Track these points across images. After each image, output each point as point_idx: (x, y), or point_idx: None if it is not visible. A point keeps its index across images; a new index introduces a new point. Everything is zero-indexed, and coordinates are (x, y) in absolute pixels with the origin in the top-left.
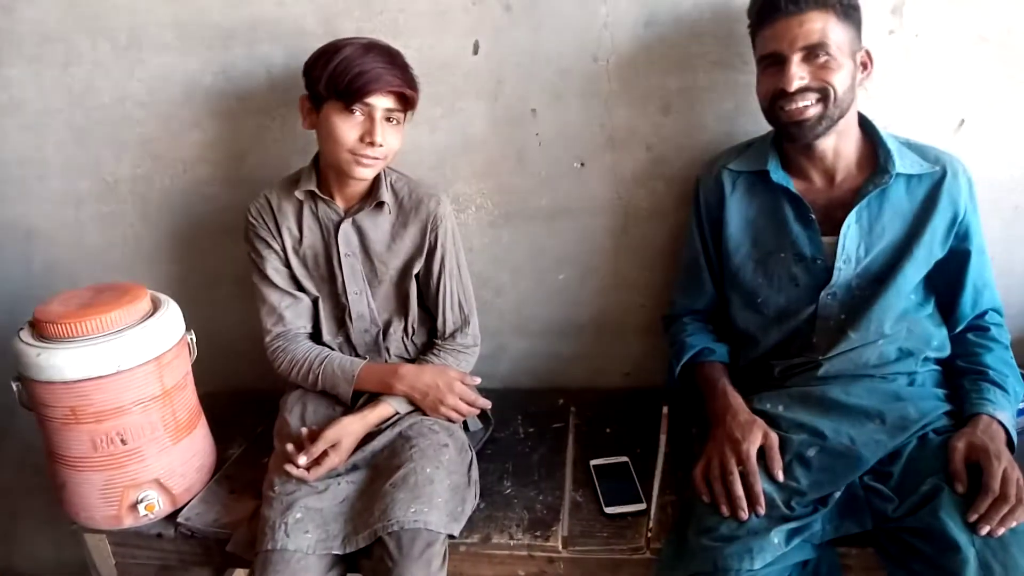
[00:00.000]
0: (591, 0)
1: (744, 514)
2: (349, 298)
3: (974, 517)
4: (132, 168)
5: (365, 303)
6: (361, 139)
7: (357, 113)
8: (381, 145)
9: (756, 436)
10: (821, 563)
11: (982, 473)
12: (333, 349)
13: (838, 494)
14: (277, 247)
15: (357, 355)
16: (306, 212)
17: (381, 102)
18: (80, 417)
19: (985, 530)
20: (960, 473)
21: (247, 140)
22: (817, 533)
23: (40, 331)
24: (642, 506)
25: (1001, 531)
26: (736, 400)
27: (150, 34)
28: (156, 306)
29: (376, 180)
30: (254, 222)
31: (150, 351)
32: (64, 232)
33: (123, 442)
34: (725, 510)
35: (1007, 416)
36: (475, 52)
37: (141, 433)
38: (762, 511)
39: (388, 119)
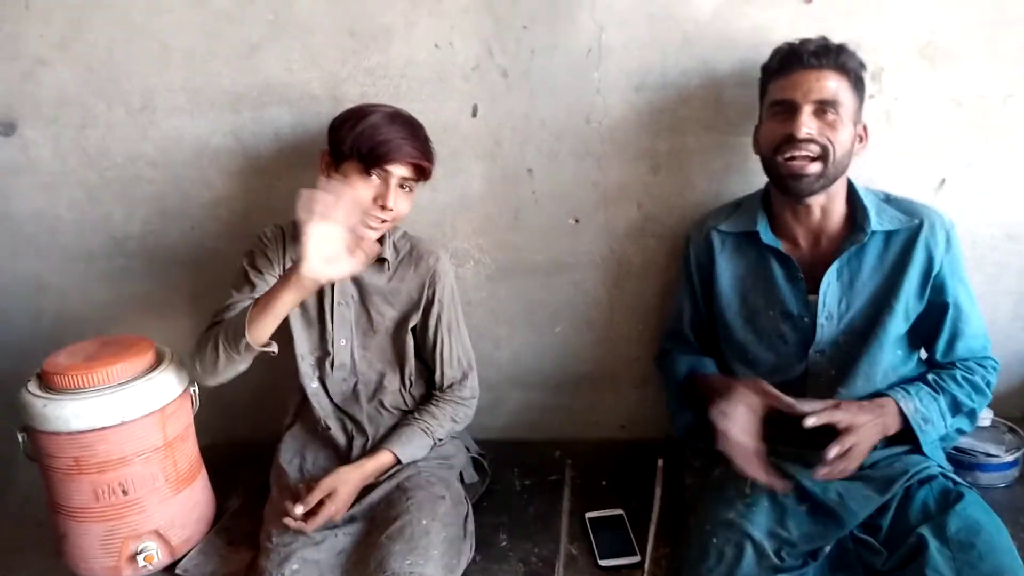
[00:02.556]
0: (584, 66)
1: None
2: (335, 347)
3: (822, 470)
4: (142, 225)
5: (349, 353)
6: (374, 201)
7: (374, 177)
8: (392, 210)
9: (748, 393)
10: None
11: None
12: (312, 388)
13: (828, 548)
14: (276, 273)
15: (333, 403)
16: None
17: (399, 171)
18: (83, 467)
19: (819, 474)
20: (820, 416)
21: (254, 199)
22: None
23: (47, 383)
24: (636, 559)
25: (825, 476)
26: (722, 382)
27: (163, 98)
28: (160, 359)
29: (380, 237)
30: (264, 243)
31: (153, 403)
32: (74, 287)
33: (124, 492)
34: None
35: (911, 406)
36: (474, 115)
37: (142, 484)
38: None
39: (402, 186)
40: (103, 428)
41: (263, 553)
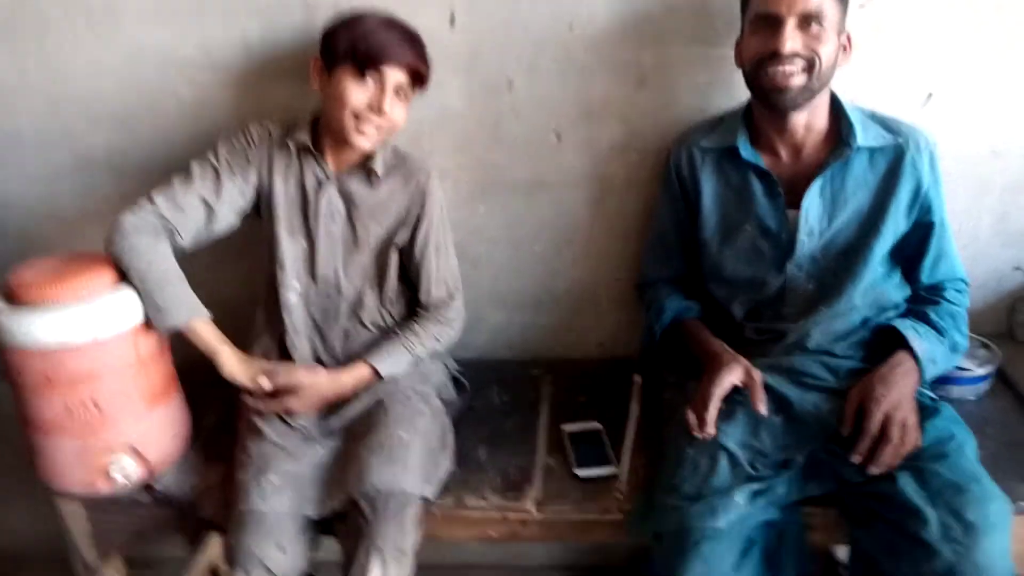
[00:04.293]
0: None
1: (696, 433)
2: (318, 260)
3: (857, 459)
4: (107, 140)
5: (332, 268)
6: (368, 105)
7: (369, 80)
8: (387, 114)
9: (734, 373)
10: (787, 524)
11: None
12: (291, 302)
13: (801, 458)
14: (253, 178)
15: (312, 318)
16: (293, 162)
17: (394, 74)
18: (54, 383)
19: (872, 471)
20: (848, 418)
21: (223, 112)
22: (782, 495)
23: (13, 296)
24: (613, 469)
25: (885, 470)
26: (719, 346)
27: (126, 5)
28: None
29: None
30: (247, 140)
31: (124, 318)
32: (39, 203)
33: (97, 408)
34: (696, 433)
35: (924, 348)
36: (451, 24)
37: (115, 400)
38: (708, 432)
39: (397, 92)
40: (72, 343)
41: (239, 465)
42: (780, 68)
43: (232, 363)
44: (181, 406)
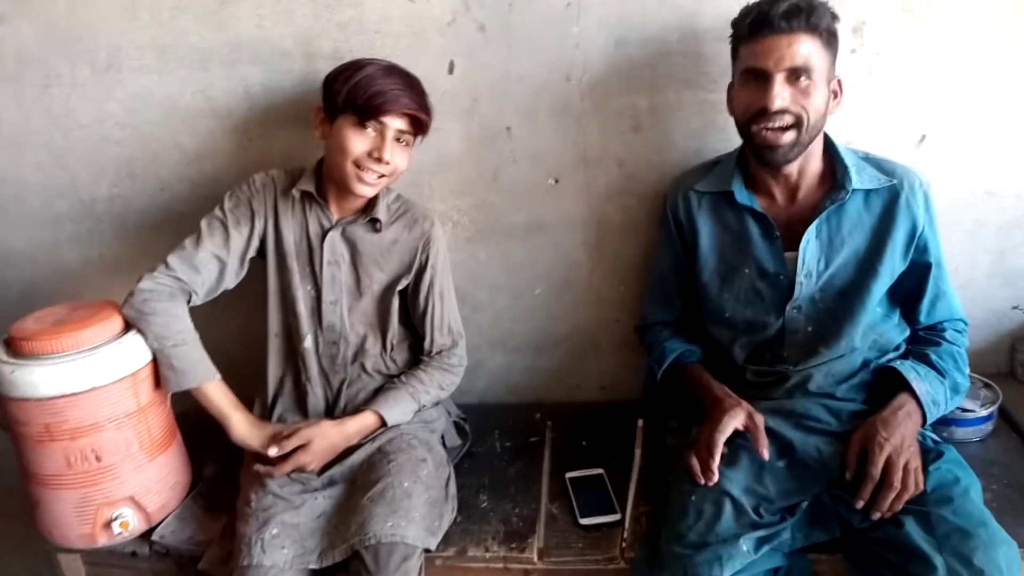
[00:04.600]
0: (563, 20)
1: (700, 479)
2: (324, 306)
3: (860, 504)
4: (110, 188)
5: (338, 315)
6: (369, 154)
7: (370, 129)
8: (388, 163)
9: (736, 419)
10: (792, 570)
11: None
12: (306, 349)
13: (806, 503)
14: (259, 226)
15: (320, 363)
16: (296, 209)
17: (394, 122)
18: (55, 434)
19: (875, 515)
20: (850, 463)
21: (225, 159)
22: (787, 542)
23: (15, 348)
24: (617, 517)
25: (888, 515)
26: (720, 390)
27: (129, 56)
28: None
29: (374, 197)
30: (252, 191)
31: (125, 367)
32: (41, 252)
33: (98, 459)
34: (700, 480)
35: (925, 389)
36: (450, 72)
37: (116, 450)
38: (712, 480)
39: (398, 139)
40: (73, 394)
41: (241, 518)
42: (769, 125)
43: (242, 428)
44: (181, 455)
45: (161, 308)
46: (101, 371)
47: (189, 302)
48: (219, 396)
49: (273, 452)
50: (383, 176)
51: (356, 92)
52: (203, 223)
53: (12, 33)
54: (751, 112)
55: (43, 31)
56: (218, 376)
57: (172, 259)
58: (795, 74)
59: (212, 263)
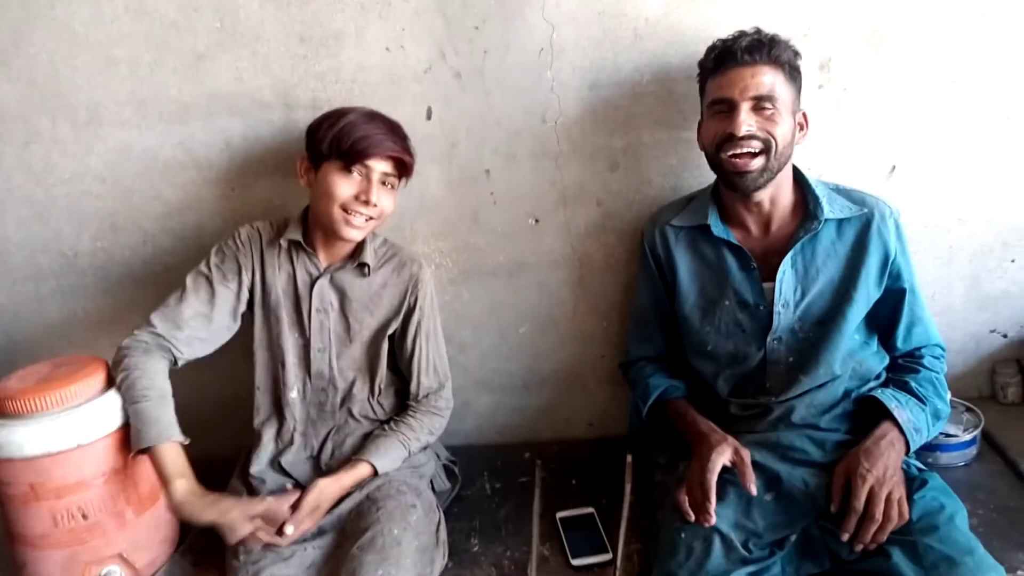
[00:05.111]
0: (537, 65)
1: (693, 517)
2: (312, 355)
3: (845, 536)
4: (92, 242)
5: (327, 362)
6: (356, 197)
7: (355, 174)
8: (375, 205)
9: (723, 455)
10: None
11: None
12: (293, 399)
13: (795, 536)
14: (246, 279)
15: (307, 412)
16: (283, 259)
17: (379, 166)
18: (40, 493)
19: (859, 547)
20: (835, 495)
21: (207, 210)
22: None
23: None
24: (608, 556)
25: (872, 547)
26: (706, 426)
27: (109, 111)
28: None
29: (361, 243)
30: (237, 245)
31: (109, 424)
32: (24, 307)
33: (84, 517)
34: (691, 518)
35: (906, 417)
36: (428, 118)
37: (103, 507)
38: (710, 521)
39: (383, 182)
40: (58, 452)
41: (231, 572)
42: (738, 151)
43: (182, 495)
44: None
45: (132, 363)
46: (86, 428)
47: (174, 359)
48: (171, 459)
49: (289, 531)
50: (371, 219)
51: (340, 138)
52: (189, 278)
53: None
54: (719, 139)
55: (23, 89)
56: (178, 438)
57: (154, 316)
58: (760, 102)
59: (197, 319)
